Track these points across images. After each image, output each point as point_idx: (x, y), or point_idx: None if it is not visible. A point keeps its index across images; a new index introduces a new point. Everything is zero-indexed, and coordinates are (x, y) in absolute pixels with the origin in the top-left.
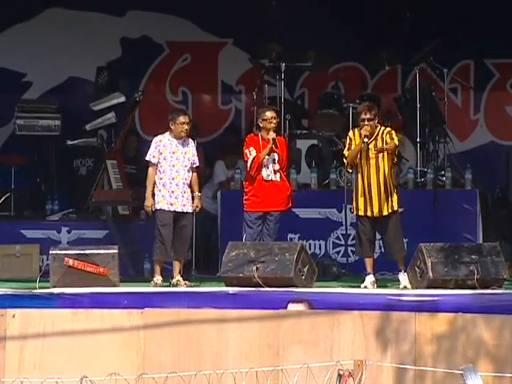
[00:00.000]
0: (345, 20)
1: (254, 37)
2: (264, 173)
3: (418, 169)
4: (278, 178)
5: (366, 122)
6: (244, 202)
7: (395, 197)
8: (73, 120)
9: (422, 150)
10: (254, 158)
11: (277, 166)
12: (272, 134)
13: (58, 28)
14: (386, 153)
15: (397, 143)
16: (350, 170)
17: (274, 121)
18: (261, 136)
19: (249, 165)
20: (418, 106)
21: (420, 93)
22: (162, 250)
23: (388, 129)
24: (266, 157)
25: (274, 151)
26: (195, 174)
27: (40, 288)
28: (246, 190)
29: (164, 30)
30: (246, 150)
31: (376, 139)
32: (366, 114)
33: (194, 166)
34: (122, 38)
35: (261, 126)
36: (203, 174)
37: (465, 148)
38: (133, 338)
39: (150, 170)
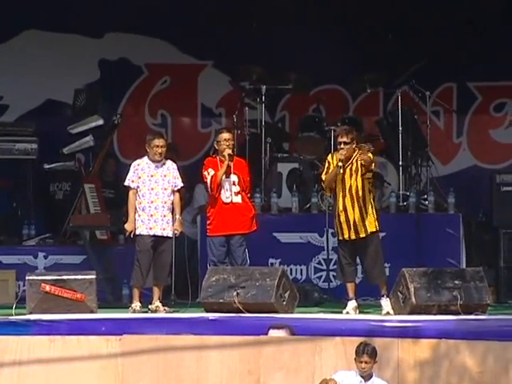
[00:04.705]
0: (325, 43)
1: (235, 59)
2: (223, 195)
3: (401, 192)
4: (240, 200)
5: (342, 146)
6: (207, 226)
7: (373, 219)
8: (50, 143)
9: (405, 174)
10: (212, 178)
11: (237, 188)
12: (227, 151)
13: (35, 50)
14: (360, 175)
15: (372, 158)
16: (328, 194)
17: (227, 143)
18: (219, 158)
19: (209, 185)
20: (400, 129)
21: (402, 116)
22: (139, 276)
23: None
24: (225, 178)
25: (234, 173)
26: (177, 196)
27: (16, 314)
28: (208, 214)
29: (143, 53)
30: (205, 172)
31: (352, 163)
32: (342, 138)
33: (176, 188)
34: (101, 60)
35: (216, 147)
36: (183, 197)
37: (448, 172)
38: (111, 365)
39: (131, 194)
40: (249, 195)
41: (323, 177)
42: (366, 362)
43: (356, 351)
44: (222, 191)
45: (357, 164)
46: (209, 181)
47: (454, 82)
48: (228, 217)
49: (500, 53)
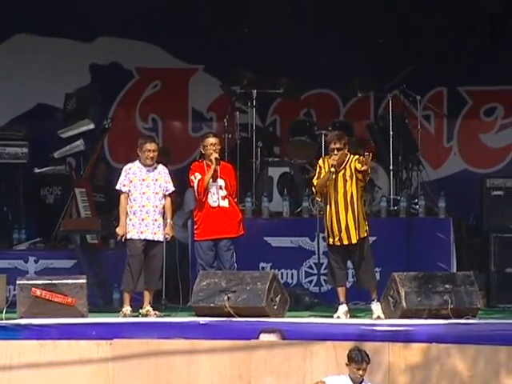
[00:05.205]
0: (316, 47)
1: (225, 63)
2: (210, 199)
3: (391, 197)
4: (227, 204)
5: (336, 152)
6: (194, 231)
7: (364, 225)
8: (41, 147)
9: (395, 178)
10: (199, 182)
11: (224, 192)
12: (214, 155)
13: (26, 54)
14: (354, 180)
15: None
16: (319, 199)
17: (214, 147)
18: (205, 163)
19: (195, 189)
20: (391, 133)
21: (393, 120)
22: (130, 280)
23: (356, 156)
24: (212, 183)
25: (221, 177)
26: (168, 200)
27: (6, 319)
28: (195, 219)
29: (133, 57)
30: (192, 177)
31: (345, 168)
32: (335, 144)
33: (167, 192)
34: (91, 64)
35: (203, 152)
36: (174, 202)
37: (438, 176)
38: (101, 369)
39: (122, 198)
40: (236, 200)
41: (315, 182)
42: (364, 370)
43: (353, 359)
44: (209, 195)
45: (350, 170)
46: (196, 185)
47: (445, 87)
48: (215, 221)
49: (490, 57)
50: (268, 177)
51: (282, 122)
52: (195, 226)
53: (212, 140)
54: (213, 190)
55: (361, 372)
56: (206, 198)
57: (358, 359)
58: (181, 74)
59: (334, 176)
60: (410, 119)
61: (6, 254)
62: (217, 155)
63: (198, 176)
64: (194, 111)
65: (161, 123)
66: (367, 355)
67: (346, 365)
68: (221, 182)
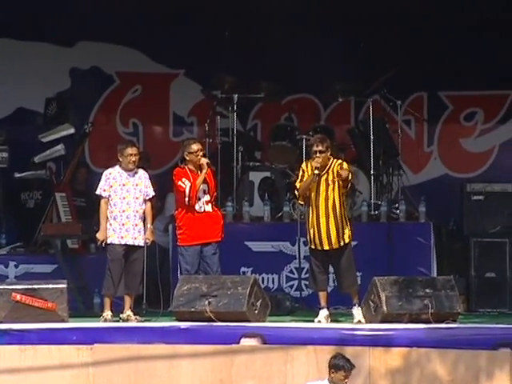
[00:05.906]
0: (297, 52)
1: (206, 68)
2: (196, 205)
3: (372, 201)
4: (210, 209)
5: (318, 155)
6: (178, 236)
7: (347, 230)
8: (21, 152)
9: (376, 183)
10: (190, 187)
11: (207, 197)
12: (204, 160)
13: (6, 58)
14: (336, 185)
15: (349, 171)
16: (302, 203)
17: (201, 153)
18: (188, 168)
19: (187, 194)
20: (372, 138)
21: (373, 125)
22: (110, 285)
23: (339, 161)
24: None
25: (205, 181)
26: (149, 205)
27: None
28: (179, 224)
29: (114, 61)
30: (179, 182)
31: (328, 172)
32: (317, 147)
33: (147, 197)
34: (72, 68)
35: (187, 158)
36: (155, 206)
37: (419, 181)
38: (82, 374)
39: (102, 203)
40: (214, 203)
41: (297, 185)
42: (349, 376)
43: (342, 367)
44: None
45: (333, 174)
46: (187, 190)
47: (425, 91)
48: (202, 226)
49: (470, 62)
50: (249, 181)
51: (263, 126)
52: (180, 231)
53: (197, 146)
54: (198, 195)
55: (347, 380)
56: (195, 203)
57: (347, 367)
58: (162, 79)
59: (317, 179)
60: (390, 124)
61: None
62: (207, 160)
63: (187, 181)
64: (175, 116)
65: (141, 128)
66: (350, 361)
67: (332, 373)
68: (204, 186)
